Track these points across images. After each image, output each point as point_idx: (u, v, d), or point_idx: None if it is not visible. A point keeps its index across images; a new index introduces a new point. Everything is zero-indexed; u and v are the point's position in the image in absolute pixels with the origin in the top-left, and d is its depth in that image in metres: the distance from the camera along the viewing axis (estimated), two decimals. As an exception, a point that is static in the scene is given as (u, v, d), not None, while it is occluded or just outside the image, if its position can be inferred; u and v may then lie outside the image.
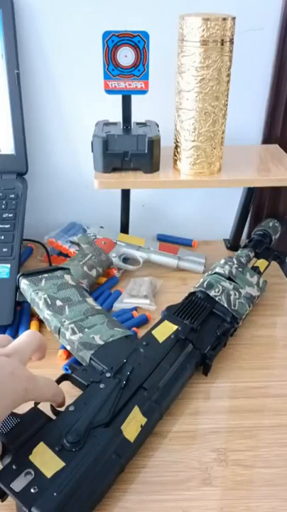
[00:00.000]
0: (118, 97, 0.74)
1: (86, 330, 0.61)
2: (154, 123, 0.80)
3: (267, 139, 0.88)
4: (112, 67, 0.70)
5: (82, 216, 0.94)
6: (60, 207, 0.93)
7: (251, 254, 0.75)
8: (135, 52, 0.69)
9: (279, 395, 0.60)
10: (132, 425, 0.50)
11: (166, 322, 0.62)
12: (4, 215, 0.78)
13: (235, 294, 0.64)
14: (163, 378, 0.56)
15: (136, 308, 0.74)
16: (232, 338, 0.68)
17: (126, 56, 0.69)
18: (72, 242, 0.82)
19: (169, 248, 0.85)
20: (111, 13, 0.76)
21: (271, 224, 0.82)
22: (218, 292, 0.63)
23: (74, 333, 0.60)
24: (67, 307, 0.64)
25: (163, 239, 0.94)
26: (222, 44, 0.66)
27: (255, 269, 0.74)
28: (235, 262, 0.69)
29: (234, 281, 0.67)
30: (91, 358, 0.57)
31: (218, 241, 0.95)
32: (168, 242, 0.91)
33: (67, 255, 0.85)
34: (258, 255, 0.77)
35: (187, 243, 0.93)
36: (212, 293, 0.64)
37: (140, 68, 0.70)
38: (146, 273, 0.83)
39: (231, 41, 0.68)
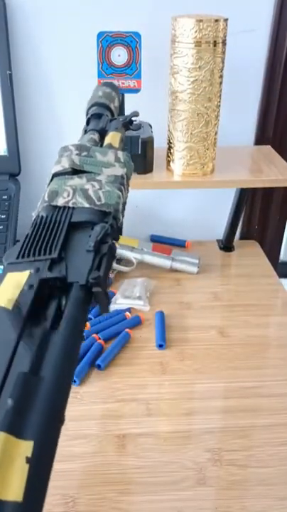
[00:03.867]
0: (111, 98, 0.74)
1: None
2: (147, 124, 0.80)
3: (259, 140, 0.88)
4: (106, 66, 0.70)
5: (75, 217, 0.93)
6: (53, 208, 0.92)
7: (95, 136, 0.55)
8: (127, 51, 0.70)
9: (273, 394, 0.60)
10: (9, 465, 0.22)
11: (10, 275, 0.37)
12: (-3, 216, 0.78)
13: (93, 186, 0.45)
14: (39, 358, 0.29)
15: (129, 309, 0.74)
16: (226, 339, 0.68)
17: (119, 55, 0.70)
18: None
19: (162, 249, 0.85)
20: (104, 14, 0.76)
21: (100, 93, 0.63)
22: (68, 196, 0.43)
23: None
24: None
25: (156, 240, 0.94)
26: (215, 45, 0.67)
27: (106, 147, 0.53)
28: (73, 149, 0.49)
29: (83, 172, 0.47)
30: None
31: (211, 242, 0.95)
32: (162, 242, 0.91)
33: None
34: (105, 132, 0.57)
35: (180, 244, 0.93)
36: (60, 201, 0.43)
37: (132, 67, 0.71)
38: (140, 274, 0.83)
39: (224, 42, 0.68)
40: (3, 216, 0.78)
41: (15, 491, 0.20)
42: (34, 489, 0.21)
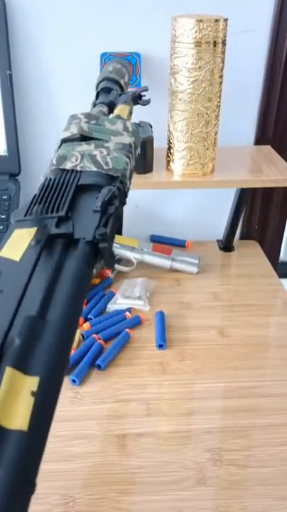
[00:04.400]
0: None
1: None
2: (147, 124, 0.80)
3: (259, 140, 0.88)
4: None
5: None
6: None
7: (104, 109, 0.57)
8: (129, 66, 0.74)
9: (272, 394, 0.60)
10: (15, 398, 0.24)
11: (17, 231, 0.38)
12: (-3, 217, 0.78)
13: (101, 152, 0.46)
14: (46, 303, 0.30)
15: (129, 309, 0.74)
16: (226, 339, 0.68)
17: None
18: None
19: (162, 249, 0.85)
20: (104, 14, 0.76)
21: (110, 68, 0.64)
22: (76, 161, 0.44)
23: None
24: None
25: (156, 240, 0.94)
26: (215, 45, 0.67)
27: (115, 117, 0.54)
28: (82, 117, 0.51)
29: (92, 138, 0.48)
30: None
31: (211, 242, 0.95)
32: (162, 242, 0.91)
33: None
34: (114, 105, 0.58)
35: (180, 244, 0.93)
36: (68, 165, 0.44)
37: (133, 78, 0.75)
38: (140, 274, 0.83)
39: (224, 42, 0.68)
40: (3, 216, 0.78)
41: (20, 421, 0.21)
42: (39, 420, 0.21)
